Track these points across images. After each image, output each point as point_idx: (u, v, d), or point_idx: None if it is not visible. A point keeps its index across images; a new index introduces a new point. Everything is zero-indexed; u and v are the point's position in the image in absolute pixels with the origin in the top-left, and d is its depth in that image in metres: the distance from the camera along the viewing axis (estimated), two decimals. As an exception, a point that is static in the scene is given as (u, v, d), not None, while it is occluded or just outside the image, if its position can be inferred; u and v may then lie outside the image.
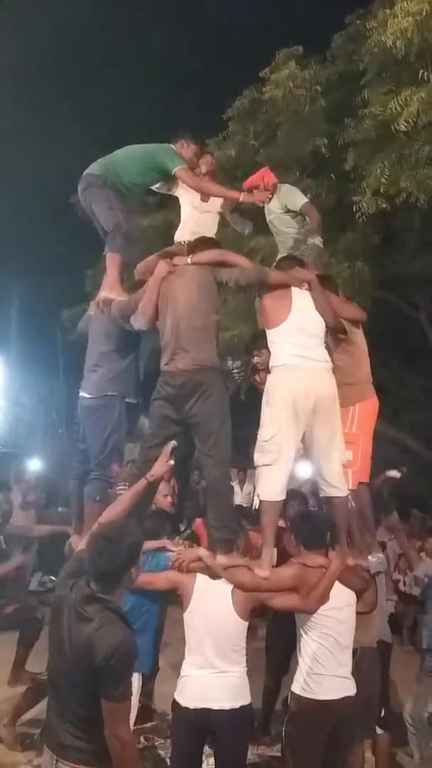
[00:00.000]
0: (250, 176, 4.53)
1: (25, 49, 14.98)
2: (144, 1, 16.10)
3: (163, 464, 3.34)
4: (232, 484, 7.29)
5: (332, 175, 8.66)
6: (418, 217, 8.34)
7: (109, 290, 3.94)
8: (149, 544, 3.48)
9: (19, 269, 17.57)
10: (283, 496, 3.47)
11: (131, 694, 2.44)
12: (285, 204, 4.42)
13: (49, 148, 15.45)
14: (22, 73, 15.45)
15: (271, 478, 3.38)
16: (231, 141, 9.54)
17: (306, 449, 3.52)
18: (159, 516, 3.86)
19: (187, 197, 4.48)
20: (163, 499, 4.44)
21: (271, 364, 3.55)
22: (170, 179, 4.34)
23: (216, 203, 4.47)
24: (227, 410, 3.52)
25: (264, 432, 3.41)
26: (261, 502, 3.39)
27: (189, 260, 3.63)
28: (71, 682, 2.42)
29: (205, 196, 4.39)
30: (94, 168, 4.16)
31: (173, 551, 3.45)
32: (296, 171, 9.02)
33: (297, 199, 4.41)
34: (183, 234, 4.42)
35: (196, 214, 4.42)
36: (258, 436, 3.44)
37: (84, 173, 4.18)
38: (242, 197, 4.25)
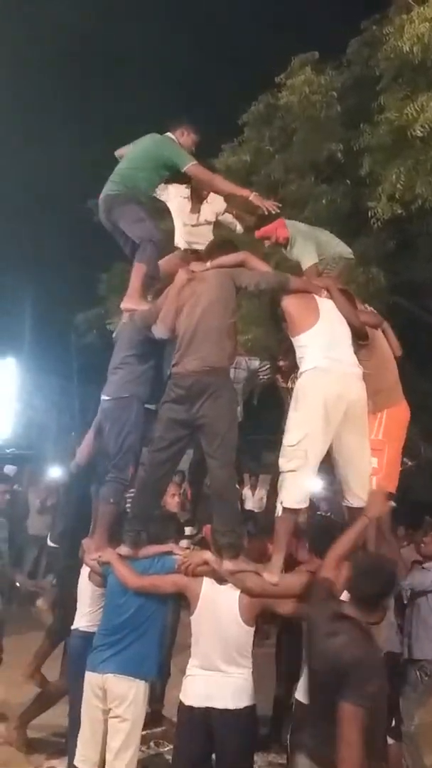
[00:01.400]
0: (264, 227, 4.29)
1: (46, 61, 15.16)
2: (159, 5, 16.19)
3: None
4: (244, 489, 7.30)
5: (348, 181, 8.65)
6: (433, 223, 8.31)
7: (129, 300, 3.95)
8: (155, 548, 3.48)
9: (33, 273, 17.74)
10: (306, 504, 3.41)
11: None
12: (296, 259, 4.29)
13: (63, 153, 15.57)
14: (40, 84, 15.62)
15: (296, 485, 3.31)
16: (246, 146, 9.56)
17: (332, 456, 3.43)
18: (165, 519, 3.85)
19: (174, 207, 4.40)
20: (171, 499, 4.44)
21: (301, 368, 3.49)
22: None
23: (207, 214, 4.38)
24: (235, 413, 3.51)
25: (290, 437, 3.34)
26: (283, 509, 3.31)
27: (208, 265, 3.63)
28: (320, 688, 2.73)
29: (195, 209, 4.30)
30: (108, 188, 4.10)
31: (179, 555, 3.43)
32: (311, 176, 9.01)
33: (304, 261, 4.21)
34: (180, 242, 4.37)
35: (188, 228, 4.35)
36: (283, 441, 3.38)
37: (101, 197, 4.12)
38: (252, 197, 4.14)
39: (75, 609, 3.93)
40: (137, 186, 4.07)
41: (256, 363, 4.94)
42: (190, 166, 4.04)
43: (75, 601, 3.95)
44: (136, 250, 4.03)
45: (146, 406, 3.88)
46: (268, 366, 4.93)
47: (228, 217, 4.56)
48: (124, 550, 3.47)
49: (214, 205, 4.41)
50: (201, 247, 4.24)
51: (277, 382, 4.88)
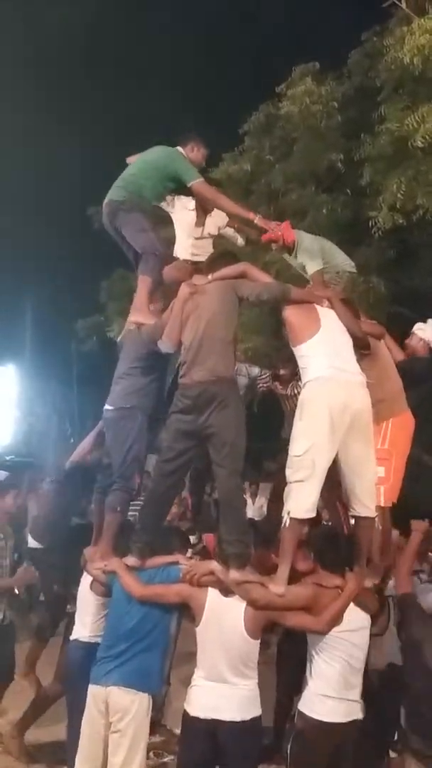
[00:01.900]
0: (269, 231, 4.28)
1: (50, 71, 15.23)
2: (161, 15, 16.30)
3: None
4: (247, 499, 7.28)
5: (348, 191, 8.69)
6: (433, 233, 8.35)
7: (137, 313, 3.96)
8: (161, 559, 3.46)
9: (33, 280, 17.78)
10: (313, 513, 3.36)
11: None
12: (301, 265, 4.31)
13: (63, 161, 15.60)
14: (43, 92, 15.70)
15: (303, 495, 3.28)
16: (247, 156, 9.61)
17: (339, 466, 3.41)
18: (170, 532, 3.85)
19: (179, 219, 4.41)
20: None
21: (304, 379, 3.49)
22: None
23: (210, 228, 4.40)
24: (243, 422, 3.50)
25: (297, 447, 3.32)
26: (291, 519, 3.28)
27: (210, 278, 3.66)
28: None
29: (200, 222, 4.31)
30: (114, 194, 4.09)
31: (185, 565, 3.41)
32: (312, 186, 9.05)
33: (309, 267, 4.23)
34: (182, 253, 4.38)
35: (192, 241, 4.37)
36: (289, 452, 3.36)
37: (106, 201, 4.11)
38: (257, 220, 4.14)
39: (61, 607, 3.90)
40: (142, 194, 4.07)
41: (256, 370, 4.96)
42: (196, 183, 4.06)
43: (61, 599, 3.92)
44: (138, 257, 4.04)
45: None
46: (267, 375, 4.94)
47: (229, 231, 4.59)
48: (131, 560, 3.45)
49: (216, 219, 4.43)
50: (202, 259, 4.26)
51: (276, 389, 4.89)
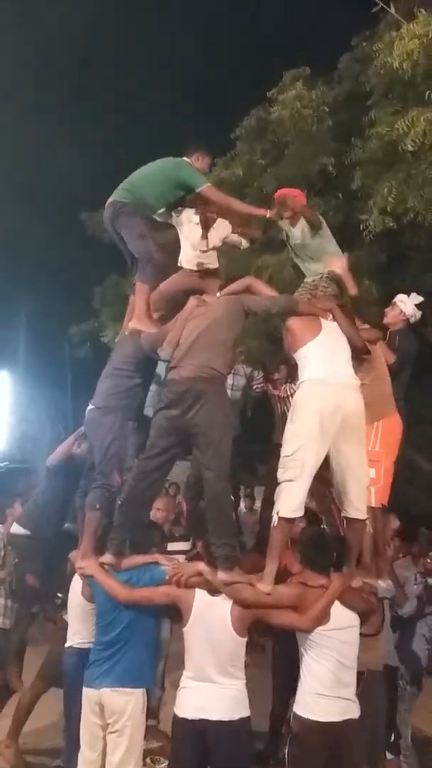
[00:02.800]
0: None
1: (46, 75, 15.24)
2: (153, 22, 16.37)
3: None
4: (240, 503, 7.28)
5: (339, 194, 8.72)
6: (425, 236, 8.37)
7: (137, 321, 4.01)
8: (139, 559, 3.47)
9: (27, 285, 17.74)
10: (301, 513, 3.42)
11: None
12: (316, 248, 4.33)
13: (57, 164, 15.61)
14: (37, 96, 15.72)
15: (292, 495, 3.35)
16: (238, 160, 9.63)
17: (331, 467, 3.47)
18: (148, 527, 3.83)
19: (184, 232, 4.45)
20: (156, 512, 4.45)
21: (299, 380, 3.57)
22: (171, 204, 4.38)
23: (214, 240, 4.43)
24: (229, 422, 3.53)
25: (287, 447, 3.39)
26: (279, 518, 3.34)
27: (218, 295, 3.80)
28: None
29: (204, 234, 4.36)
30: (120, 195, 4.17)
31: (167, 565, 3.42)
32: (303, 190, 9.05)
33: (328, 250, 4.28)
34: (188, 263, 4.40)
35: (197, 252, 4.39)
36: (281, 452, 3.43)
37: (109, 200, 4.20)
38: (269, 214, 4.29)
39: (29, 602, 3.89)
40: (145, 200, 4.17)
41: (251, 370, 5.01)
42: (205, 187, 4.21)
43: (31, 593, 3.91)
44: (135, 260, 4.13)
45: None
46: (260, 377, 4.98)
47: (233, 236, 4.64)
48: (108, 558, 3.45)
49: (220, 231, 4.48)
50: (209, 267, 4.34)
51: (269, 391, 4.94)
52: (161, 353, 3.73)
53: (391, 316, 4.66)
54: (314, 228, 4.22)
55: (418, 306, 4.65)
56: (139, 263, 4.07)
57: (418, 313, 4.65)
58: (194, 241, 4.37)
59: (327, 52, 9.55)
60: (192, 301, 3.78)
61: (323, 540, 3.53)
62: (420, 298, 4.65)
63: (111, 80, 17.05)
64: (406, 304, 4.62)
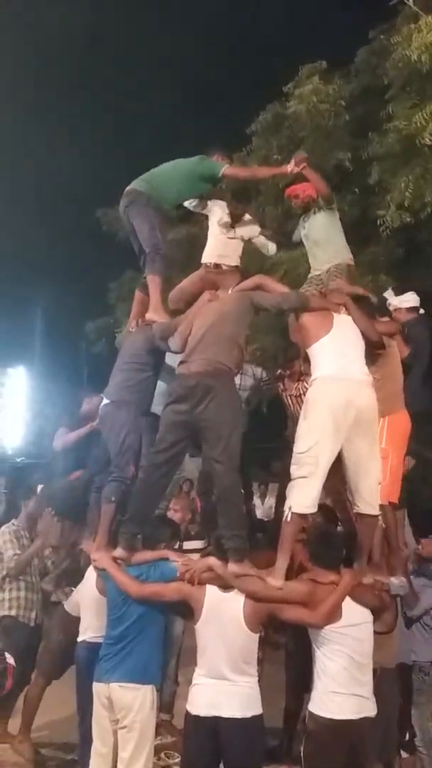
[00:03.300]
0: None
1: (57, 74, 15.29)
2: (167, 16, 16.34)
3: None
4: (254, 499, 7.28)
5: (356, 189, 8.63)
6: (442, 231, 8.29)
7: (154, 312, 4.05)
8: (149, 554, 3.49)
9: (43, 282, 17.83)
10: (314, 509, 3.43)
11: None
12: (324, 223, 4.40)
13: (72, 164, 15.67)
14: (49, 94, 15.76)
15: (305, 491, 3.35)
16: (254, 155, 9.57)
17: (343, 463, 3.46)
18: (160, 522, 3.85)
19: (215, 218, 4.49)
20: (174, 513, 4.46)
21: (312, 377, 3.56)
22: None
23: (244, 230, 4.47)
24: (239, 417, 3.54)
25: (300, 444, 3.39)
26: (291, 513, 3.35)
27: (230, 291, 3.81)
28: None
29: (234, 221, 4.41)
30: (138, 184, 4.24)
31: (176, 561, 3.43)
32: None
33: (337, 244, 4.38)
34: (210, 256, 4.43)
35: (224, 239, 4.43)
36: (294, 449, 3.42)
37: (128, 189, 4.26)
38: (290, 168, 4.35)
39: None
40: (163, 192, 4.23)
41: (260, 371, 4.99)
42: (226, 168, 4.31)
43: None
44: (142, 251, 4.17)
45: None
46: (271, 377, 4.97)
47: (261, 239, 4.65)
48: (119, 552, 3.47)
49: (247, 228, 4.51)
50: (229, 262, 4.33)
51: (279, 389, 4.92)
52: (171, 344, 3.76)
53: (397, 316, 4.65)
54: (328, 203, 4.35)
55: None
56: (149, 255, 4.11)
57: (415, 298, 4.64)
58: (221, 228, 4.42)
59: (344, 45, 9.47)
60: (205, 296, 3.82)
61: (330, 536, 3.53)
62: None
63: (123, 75, 17.10)
64: (392, 300, 4.60)
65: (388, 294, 4.59)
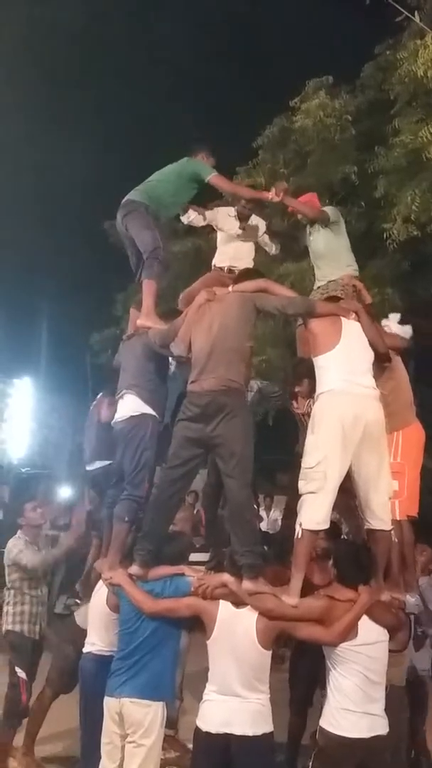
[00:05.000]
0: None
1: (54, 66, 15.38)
2: (175, 28, 16.46)
3: None
4: (259, 511, 7.25)
5: (362, 203, 8.68)
6: (449, 245, 8.30)
7: (145, 318, 4.01)
8: (166, 569, 3.45)
9: (48, 293, 17.90)
10: (326, 525, 3.38)
11: None
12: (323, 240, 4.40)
13: (79, 174, 15.75)
14: (56, 98, 15.87)
15: (315, 507, 3.30)
16: (261, 169, 9.62)
17: (352, 478, 3.42)
18: (173, 538, 3.82)
19: (225, 224, 4.51)
20: (173, 525, 4.43)
21: (318, 390, 3.50)
22: (199, 207, 4.49)
23: (254, 232, 4.49)
24: (251, 433, 3.50)
25: (309, 459, 3.34)
26: (303, 530, 3.30)
27: (230, 289, 3.70)
28: None
29: (243, 224, 4.42)
30: (134, 195, 4.23)
31: (192, 576, 3.40)
32: (326, 198, 9.04)
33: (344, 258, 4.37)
34: (222, 260, 4.46)
35: (236, 242, 4.44)
36: (302, 464, 3.38)
37: (124, 200, 4.25)
38: (271, 196, 4.30)
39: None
40: (161, 199, 4.23)
41: (266, 384, 4.97)
42: (213, 176, 4.26)
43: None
44: (140, 261, 4.16)
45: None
46: (279, 392, 4.93)
47: (265, 239, 4.69)
48: (134, 569, 3.44)
49: (254, 229, 4.55)
50: (240, 266, 4.36)
51: (292, 408, 4.86)
52: (173, 349, 3.70)
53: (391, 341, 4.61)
54: (323, 223, 4.31)
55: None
56: (147, 260, 4.08)
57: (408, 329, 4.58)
58: (232, 230, 4.42)
59: (350, 60, 9.54)
60: (202, 294, 3.71)
61: (360, 555, 3.44)
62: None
63: (132, 85, 17.21)
64: (391, 325, 4.54)
65: (393, 317, 4.54)
